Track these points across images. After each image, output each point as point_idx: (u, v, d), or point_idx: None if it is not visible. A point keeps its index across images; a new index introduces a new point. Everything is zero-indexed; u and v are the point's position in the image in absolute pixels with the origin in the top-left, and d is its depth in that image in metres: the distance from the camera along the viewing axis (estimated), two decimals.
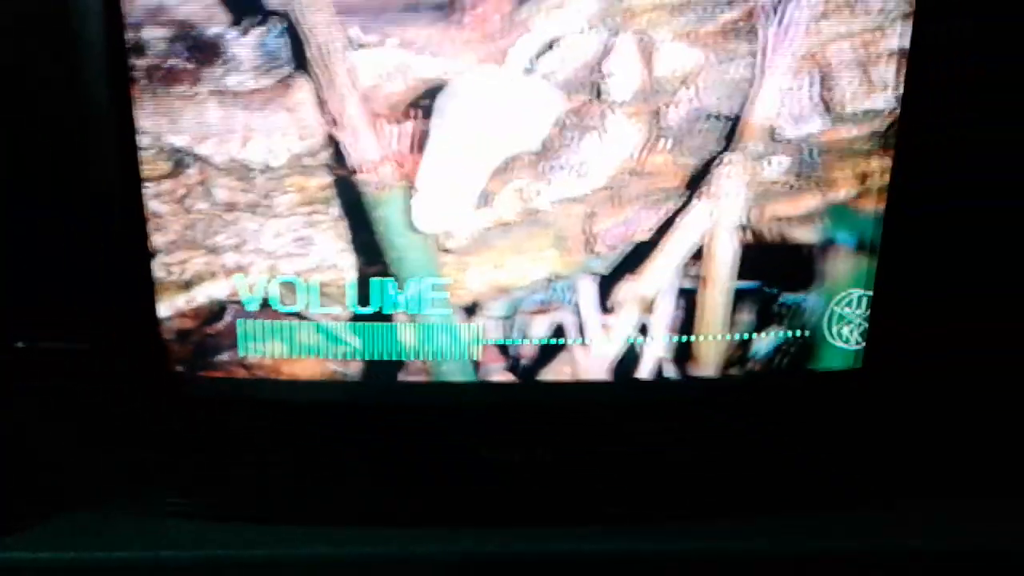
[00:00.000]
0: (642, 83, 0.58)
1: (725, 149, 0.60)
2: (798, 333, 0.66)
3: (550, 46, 0.57)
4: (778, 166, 0.61)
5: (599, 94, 0.58)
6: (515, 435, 0.65)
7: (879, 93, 0.60)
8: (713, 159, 0.60)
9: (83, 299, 0.61)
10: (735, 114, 0.59)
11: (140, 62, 0.57)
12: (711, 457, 0.67)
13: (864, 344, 0.66)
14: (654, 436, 0.66)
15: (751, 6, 0.57)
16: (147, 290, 0.61)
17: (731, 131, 0.60)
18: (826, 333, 0.66)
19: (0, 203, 0.61)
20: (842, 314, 0.65)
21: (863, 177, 0.62)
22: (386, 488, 0.66)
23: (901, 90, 0.59)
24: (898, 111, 0.60)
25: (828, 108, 0.60)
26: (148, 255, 0.61)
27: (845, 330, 0.66)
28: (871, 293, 0.64)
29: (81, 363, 0.62)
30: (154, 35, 0.57)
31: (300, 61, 0.57)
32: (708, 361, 0.65)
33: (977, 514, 0.67)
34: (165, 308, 0.62)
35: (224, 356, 0.63)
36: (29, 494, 0.67)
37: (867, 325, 0.65)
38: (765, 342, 0.65)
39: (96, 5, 0.56)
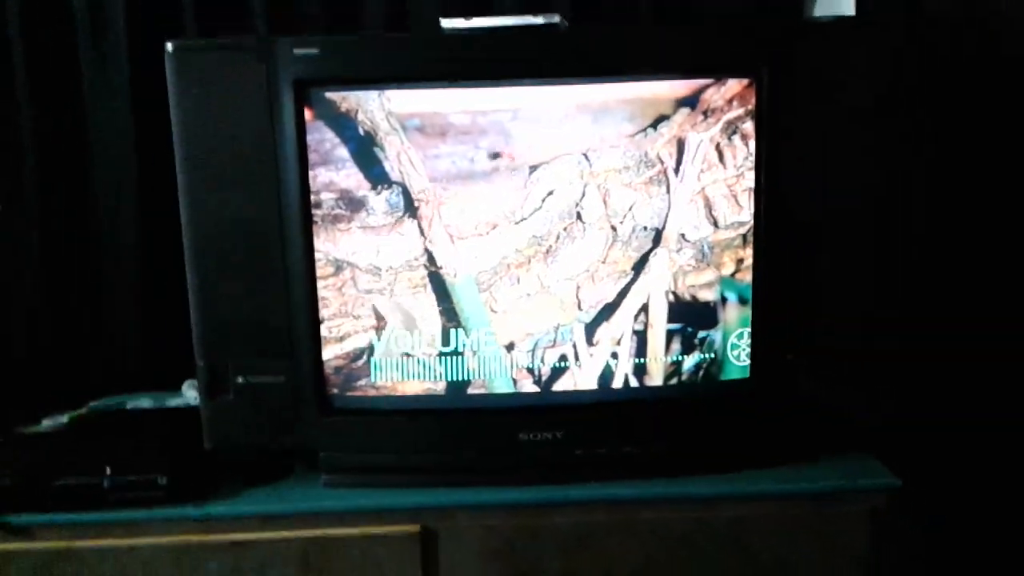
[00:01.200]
0: (604, 211, 1.01)
1: (654, 246, 1.02)
2: (710, 356, 1.06)
3: (551, 192, 1.01)
4: (687, 255, 1.03)
5: (579, 217, 1.01)
6: (539, 424, 1.03)
7: (742, 212, 1.03)
8: (648, 252, 1.02)
9: (279, 351, 1.02)
10: (658, 227, 1.02)
11: (318, 211, 0.99)
12: (660, 435, 1.06)
13: (750, 362, 1.07)
14: (625, 422, 1.06)
15: (662, 168, 1.00)
16: (316, 343, 1.02)
17: (657, 236, 1.02)
18: (727, 356, 1.07)
19: (227, 295, 1.02)
20: (735, 344, 1.06)
21: (739, 261, 1.04)
22: (458, 460, 1.05)
23: (753, 210, 1.02)
24: (752, 222, 1.03)
25: (713, 221, 1.03)
26: (318, 322, 1.02)
27: (738, 354, 1.07)
28: (751, 330, 1.06)
29: (276, 390, 1.02)
30: (327, 197, 0.99)
31: (409, 207, 1.00)
32: (655, 375, 1.06)
33: (825, 468, 1.08)
34: (327, 353, 1.03)
35: (362, 382, 1.04)
36: (236, 473, 1.07)
37: (751, 350, 1.06)
38: (689, 362, 1.06)
39: (295, 181, 0.98)
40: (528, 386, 1.05)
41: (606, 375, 1.05)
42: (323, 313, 1.01)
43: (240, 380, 1.02)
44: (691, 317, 1.05)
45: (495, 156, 0.97)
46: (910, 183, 1.26)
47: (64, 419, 1.18)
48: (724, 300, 1.05)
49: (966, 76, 1.29)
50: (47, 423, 1.17)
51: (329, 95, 0.95)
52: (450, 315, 1.02)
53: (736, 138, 1.01)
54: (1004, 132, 1.30)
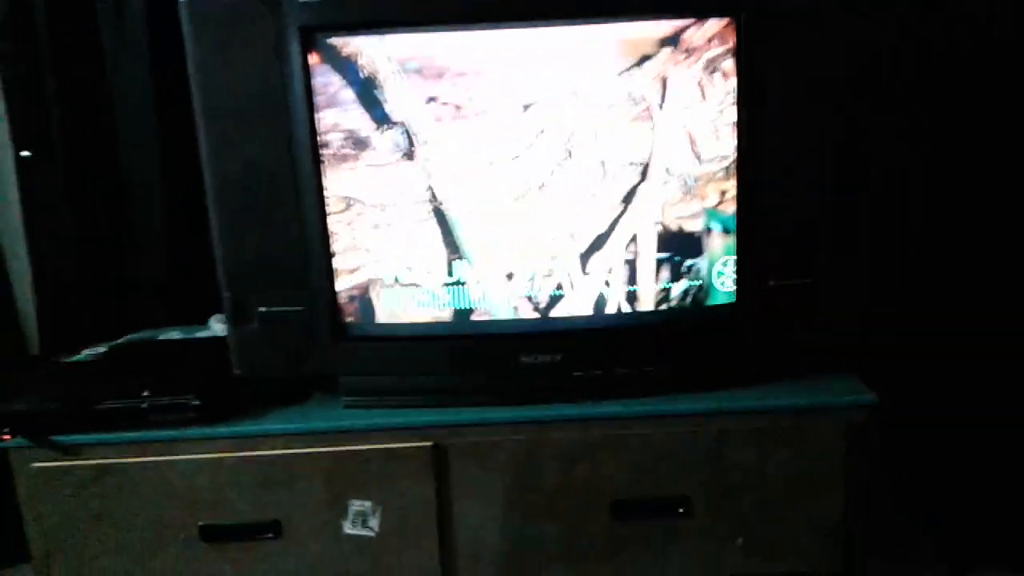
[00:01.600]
0: (593, 147, 1.08)
1: (642, 180, 1.09)
2: (697, 283, 1.13)
3: (543, 130, 1.07)
4: (673, 188, 1.10)
5: (570, 153, 1.08)
6: (538, 347, 1.12)
7: (724, 145, 1.09)
8: (636, 185, 1.09)
9: (296, 282, 1.10)
10: (645, 161, 1.08)
11: (326, 151, 1.07)
12: (651, 356, 1.14)
13: (735, 288, 1.14)
14: (618, 344, 1.13)
15: (647, 105, 1.06)
16: (330, 275, 1.10)
17: (644, 170, 1.09)
18: (713, 282, 1.14)
19: (247, 232, 1.10)
20: (721, 271, 1.13)
21: (722, 192, 1.10)
22: (465, 382, 1.14)
23: (736, 143, 1.08)
24: (735, 155, 1.09)
25: (697, 155, 1.09)
26: (330, 255, 1.10)
27: (724, 280, 1.14)
28: (736, 258, 1.13)
29: (296, 319, 1.11)
30: (335, 137, 1.07)
31: (411, 146, 1.07)
32: (646, 300, 1.13)
33: (804, 386, 1.15)
34: (341, 284, 1.11)
35: (374, 310, 1.12)
36: (261, 396, 1.16)
37: (736, 277, 1.13)
38: (678, 288, 1.13)
39: (304, 122, 1.05)
40: (528, 312, 1.13)
41: (600, 302, 1.13)
42: (335, 247, 1.10)
43: (263, 310, 1.11)
44: (678, 246, 1.12)
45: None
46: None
47: (102, 350, 1.28)
48: (709, 230, 1.12)
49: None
50: (87, 353, 1.28)
51: (332, 40, 1.02)
52: (453, 247, 1.10)
53: (717, 75, 1.06)
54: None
